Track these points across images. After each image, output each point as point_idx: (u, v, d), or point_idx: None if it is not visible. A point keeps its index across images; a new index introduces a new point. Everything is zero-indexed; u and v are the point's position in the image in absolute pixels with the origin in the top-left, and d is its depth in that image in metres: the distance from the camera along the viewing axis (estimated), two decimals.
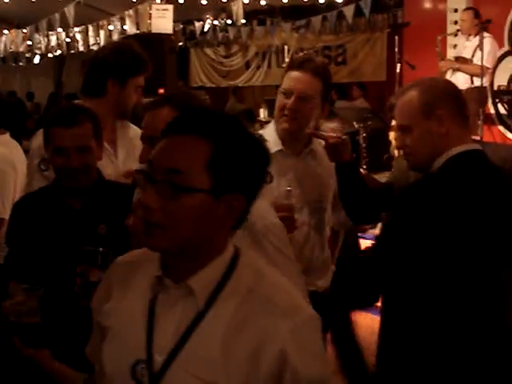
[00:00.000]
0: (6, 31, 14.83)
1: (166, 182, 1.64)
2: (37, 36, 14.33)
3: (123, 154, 3.60)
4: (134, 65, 3.60)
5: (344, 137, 3.22)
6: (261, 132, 3.43)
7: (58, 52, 15.29)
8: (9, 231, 3.19)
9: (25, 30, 14.39)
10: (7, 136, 5.07)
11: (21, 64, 16.40)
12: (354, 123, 8.44)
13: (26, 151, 5.38)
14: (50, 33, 14.00)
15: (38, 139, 3.36)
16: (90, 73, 3.70)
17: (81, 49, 14.00)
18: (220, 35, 15.14)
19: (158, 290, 1.76)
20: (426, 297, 2.58)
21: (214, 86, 16.32)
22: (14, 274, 3.01)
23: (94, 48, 12.85)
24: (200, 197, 1.65)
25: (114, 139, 3.66)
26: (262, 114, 11.69)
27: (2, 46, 14.98)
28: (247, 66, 15.96)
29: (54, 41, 14.41)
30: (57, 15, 12.43)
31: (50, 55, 15.53)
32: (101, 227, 2.92)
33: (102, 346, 1.83)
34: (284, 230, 2.59)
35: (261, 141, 1.80)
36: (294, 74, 3.30)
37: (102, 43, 12.46)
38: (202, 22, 14.29)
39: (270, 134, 3.29)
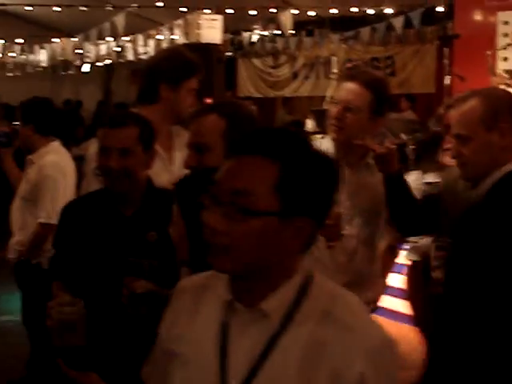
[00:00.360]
0: (56, 40, 14.99)
1: (232, 204, 1.60)
2: (87, 45, 14.47)
3: (179, 161, 3.58)
4: (185, 68, 3.60)
5: (392, 147, 3.19)
6: (318, 142, 3.43)
7: (107, 61, 15.43)
8: (56, 234, 3.21)
9: (75, 39, 14.53)
10: (58, 143, 5.13)
11: (70, 72, 16.56)
12: (402, 135, 8.36)
13: (76, 158, 5.44)
14: (100, 42, 14.13)
15: (94, 145, 3.39)
16: (144, 80, 3.71)
17: (130, 58, 14.11)
18: (268, 46, 15.13)
19: (228, 315, 1.72)
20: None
21: (261, 96, 16.31)
22: (58, 277, 3.02)
23: (143, 57, 12.94)
24: (267, 220, 1.61)
25: (170, 146, 3.65)
26: (310, 124, 11.67)
27: (52, 54, 15.15)
28: (295, 76, 15.91)
29: (103, 50, 14.54)
30: (107, 24, 12.54)
31: (99, 64, 15.68)
32: (150, 235, 2.91)
33: (170, 373, 1.79)
34: (324, 242, 2.57)
35: (331, 161, 1.73)
36: (345, 84, 3.31)
37: (150, 52, 12.53)
38: (250, 33, 14.30)
39: (326, 145, 3.29)
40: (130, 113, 3.21)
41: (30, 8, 12.84)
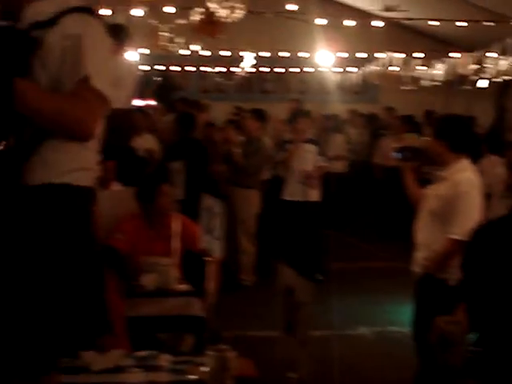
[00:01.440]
0: (454, 54, 15.02)
1: None
2: (486, 60, 14.27)
3: None
4: None
5: None
6: None
7: (505, 77, 15.09)
8: (465, 255, 3.20)
9: (474, 54, 14.42)
10: (468, 161, 5.15)
11: (465, 87, 16.45)
12: None
13: None
14: (501, 57, 13.86)
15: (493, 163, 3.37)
16: None
17: None
18: None
19: None
20: None
21: None
22: (465, 300, 2.98)
23: None
24: None
25: None
26: None
27: (449, 68, 15.18)
28: None
29: (503, 65, 14.24)
30: (510, 40, 12.26)
31: (496, 80, 15.39)
32: None
33: None
34: None
35: None
36: None
37: None
38: None
39: None
40: None
41: (433, 23, 12.96)
